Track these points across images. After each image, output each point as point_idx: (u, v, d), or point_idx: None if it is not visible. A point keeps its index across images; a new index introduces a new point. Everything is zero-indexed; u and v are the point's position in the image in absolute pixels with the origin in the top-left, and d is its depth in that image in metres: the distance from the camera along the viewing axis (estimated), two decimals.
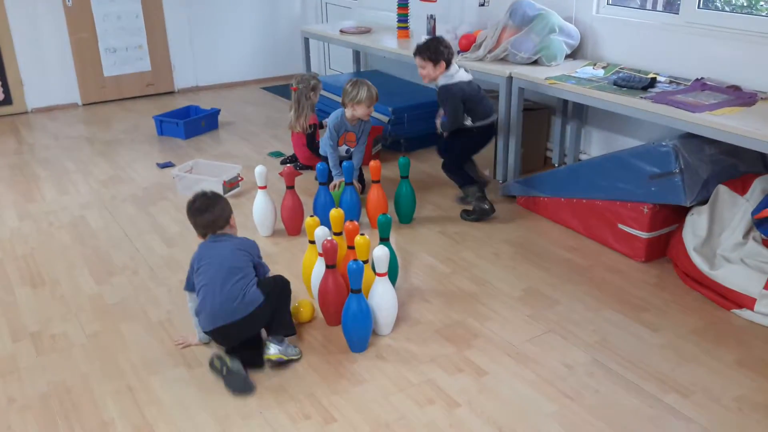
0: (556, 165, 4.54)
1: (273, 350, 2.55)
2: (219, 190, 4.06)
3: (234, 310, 2.50)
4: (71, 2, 6.13)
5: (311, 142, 4.44)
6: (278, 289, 2.61)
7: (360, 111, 3.88)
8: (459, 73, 3.63)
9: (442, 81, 3.62)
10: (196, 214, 2.64)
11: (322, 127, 4.49)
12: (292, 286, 2.67)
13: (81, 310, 3.01)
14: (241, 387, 2.45)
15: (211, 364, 2.51)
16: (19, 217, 3.98)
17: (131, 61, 6.57)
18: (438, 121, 3.84)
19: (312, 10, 7.19)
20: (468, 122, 3.69)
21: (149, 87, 6.73)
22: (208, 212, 2.62)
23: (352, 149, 4.05)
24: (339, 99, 5.19)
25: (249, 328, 2.56)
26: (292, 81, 4.54)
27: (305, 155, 4.55)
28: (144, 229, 3.80)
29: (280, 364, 2.57)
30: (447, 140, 3.84)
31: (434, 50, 3.56)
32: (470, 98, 3.64)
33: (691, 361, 2.58)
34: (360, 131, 4.01)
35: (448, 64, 3.59)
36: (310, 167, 4.57)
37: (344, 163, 3.66)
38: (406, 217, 3.76)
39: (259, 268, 2.65)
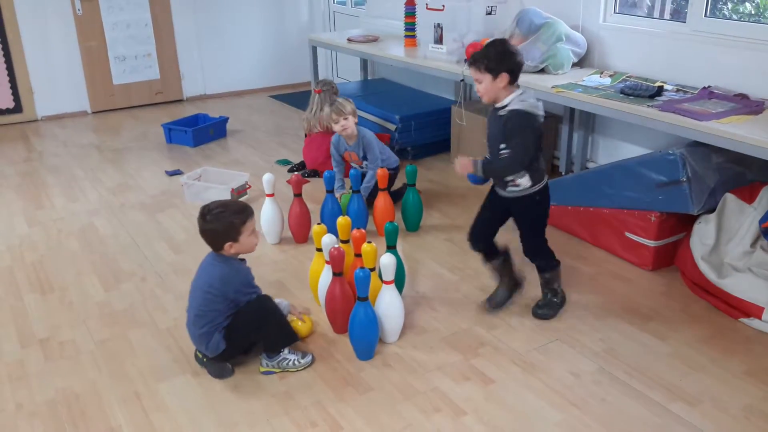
0: (564, 173, 4.54)
1: (263, 363, 2.62)
2: (227, 197, 4.09)
3: (202, 350, 2.59)
4: (81, 11, 6.19)
5: None
6: (254, 319, 2.55)
7: (334, 127, 3.92)
8: (531, 98, 2.67)
9: (513, 104, 2.62)
10: (198, 226, 2.56)
11: None
12: (300, 294, 2.66)
13: (89, 317, 3.02)
14: (218, 372, 2.58)
15: (195, 356, 2.65)
16: (29, 224, 4.01)
17: (140, 70, 6.62)
18: (462, 164, 2.77)
19: (319, 18, 7.23)
20: (523, 180, 2.71)
21: (158, 95, 6.78)
22: (202, 232, 2.54)
23: (360, 168, 4.03)
24: None
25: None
26: (316, 85, 4.73)
27: (315, 159, 4.59)
28: (152, 236, 3.82)
29: (285, 371, 2.60)
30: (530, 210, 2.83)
31: (494, 57, 2.62)
32: (539, 142, 2.69)
33: (698, 370, 2.57)
34: (360, 149, 3.97)
35: (515, 78, 2.65)
36: (317, 174, 4.59)
37: (351, 171, 3.67)
38: (413, 225, 3.77)
39: (236, 300, 2.55)
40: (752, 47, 3.39)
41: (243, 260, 2.62)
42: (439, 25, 4.49)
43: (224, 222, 2.50)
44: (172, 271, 3.41)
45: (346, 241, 2.99)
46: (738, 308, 2.88)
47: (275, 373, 2.59)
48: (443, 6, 4.39)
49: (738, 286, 2.87)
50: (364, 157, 3.99)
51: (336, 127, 3.91)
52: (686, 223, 3.24)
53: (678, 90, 3.59)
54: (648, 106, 3.32)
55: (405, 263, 3.25)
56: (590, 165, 4.44)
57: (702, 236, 3.08)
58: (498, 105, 2.70)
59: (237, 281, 2.55)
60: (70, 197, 4.42)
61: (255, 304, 2.58)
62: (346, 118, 3.88)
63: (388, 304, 2.70)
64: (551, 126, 4.52)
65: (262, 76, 7.26)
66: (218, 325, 2.53)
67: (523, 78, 3.90)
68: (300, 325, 2.78)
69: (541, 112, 2.65)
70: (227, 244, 2.52)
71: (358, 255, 2.81)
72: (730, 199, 3.08)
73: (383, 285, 2.71)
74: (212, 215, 2.51)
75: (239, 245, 2.53)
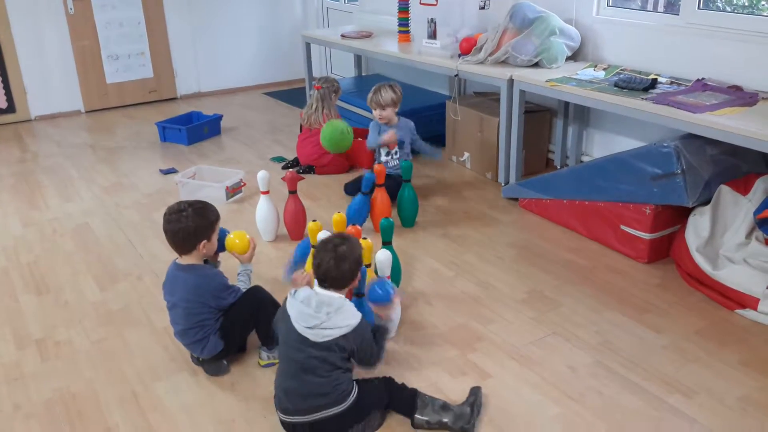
0: (558, 167, 4.54)
1: (263, 356, 2.62)
2: (222, 195, 4.08)
3: (198, 353, 2.56)
4: (73, 10, 6.16)
5: None
6: (248, 312, 2.53)
7: (374, 113, 4.07)
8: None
9: None
10: (164, 227, 2.49)
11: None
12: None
13: (85, 317, 3.02)
14: (215, 370, 2.58)
15: (191, 356, 2.63)
16: (23, 225, 3.99)
17: (134, 68, 6.59)
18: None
19: (313, 15, 7.22)
20: None
21: (152, 93, 6.76)
22: (171, 232, 2.47)
23: (392, 151, 4.08)
24: (342, 103, 5.21)
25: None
26: (315, 80, 4.75)
27: (310, 155, 4.58)
28: (147, 235, 3.81)
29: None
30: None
31: None
32: None
33: (694, 362, 2.58)
34: (399, 133, 4.03)
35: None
36: (312, 170, 4.59)
37: (366, 174, 3.65)
38: (408, 220, 3.77)
39: (219, 305, 2.52)
40: (746, 39, 3.39)
41: (206, 262, 2.60)
42: (432, 20, 4.48)
43: (206, 218, 2.47)
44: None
45: None
46: (733, 299, 2.89)
47: (275, 364, 2.58)
48: (436, 1, 4.39)
49: (733, 277, 2.88)
50: (401, 142, 4.06)
51: (375, 114, 4.06)
52: (681, 215, 3.25)
53: (672, 82, 3.59)
54: (642, 98, 3.32)
55: (401, 259, 3.25)
56: (585, 158, 4.45)
57: (697, 228, 3.09)
58: None
59: (212, 286, 2.50)
60: (64, 197, 4.41)
61: (247, 296, 2.58)
62: (383, 109, 4.01)
63: None
64: (545, 120, 4.52)
65: (256, 73, 7.24)
66: (211, 328, 2.52)
67: (517, 71, 3.95)
68: (236, 244, 2.67)
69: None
70: (201, 243, 2.48)
71: None
72: (724, 191, 3.09)
73: None
74: (193, 210, 2.46)
75: (210, 245, 2.52)
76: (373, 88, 4.04)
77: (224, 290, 2.54)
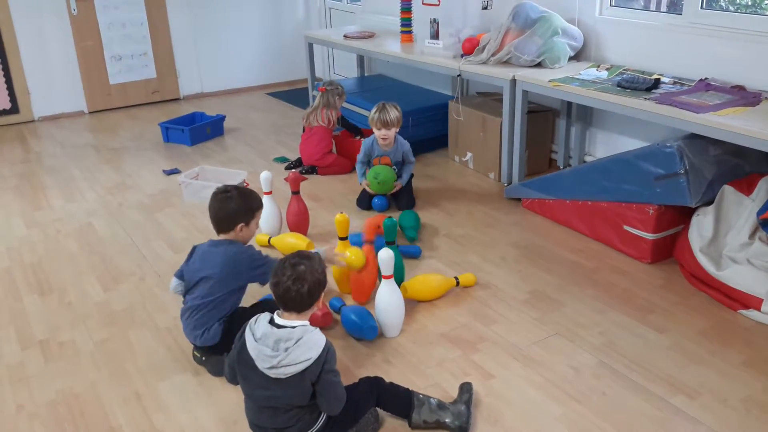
0: (561, 167, 4.54)
1: None
2: None
3: (196, 339, 2.58)
4: (76, 11, 6.18)
5: (348, 127, 4.86)
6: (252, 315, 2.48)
7: (376, 133, 3.92)
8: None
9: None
10: (209, 204, 2.61)
11: (346, 123, 4.84)
12: None
13: (88, 317, 3.02)
14: (218, 369, 2.55)
15: (194, 355, 2.65)
16: (27, 225, 4.00)
17: (136, 69, 6.61)
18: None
19: (315, 15, 7.22)
20: None
21: (155, 94, 6.77)
22: (213, 210, 2.59)
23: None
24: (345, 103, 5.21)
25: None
26: (320, 82, 4.81)
27: (313, 155, 4.58)
28: (150, 235, 3.82)
29: None
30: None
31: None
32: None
33: (698, 363, 2.57)
34: (397, 155, 3.97)
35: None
36: (315, 170, 4.60)
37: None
38: (410, 230, 3.64)
39: (254, 271, 2.55)
40: (749, 39, 3.39)
41: None
42: (435, 20, 4.49)
43: (247, 204, 2.58)
44: (171, 270, 3.38)
45: (344, 239, 2.99)
46: (737, 300, 2.88)
47: None
48: (439, 1, 4.39)
49: (737, 277, 2.87)
50: (398, 163, 3.98)
51: (378, 133, 3.90)
52: (684, 215, 3.24)
53: (675, 82, 3.58)
54: (645, 99, 3.32)
55: (403, 259, 3.25)
56: (588, 158, 4.44)
57: (700, 228, 3.08)
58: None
59: (248, 254, 2.56)
60: (68, 198, 4.42)
61: (259, 303, 2.62)
62: (389, 129, 3.86)
63: (388, 298, 2.70)
64: (548, 120, 4.52)
65: (259, 73, 7.25)
66: (221, 314, 2.54)
67: (520, 72, 3.95)
68: (352, 260, 2.82)
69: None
70: (240, 225, 2.56)
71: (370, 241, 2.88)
72: (728, 191, 3.08)
73: (383, 280, 2.71)
74: (238, 193, 2.57)
75: (248, 230, 2.60)
76: (377, 107, 3.86)
77: (258, 258, 2.57)
